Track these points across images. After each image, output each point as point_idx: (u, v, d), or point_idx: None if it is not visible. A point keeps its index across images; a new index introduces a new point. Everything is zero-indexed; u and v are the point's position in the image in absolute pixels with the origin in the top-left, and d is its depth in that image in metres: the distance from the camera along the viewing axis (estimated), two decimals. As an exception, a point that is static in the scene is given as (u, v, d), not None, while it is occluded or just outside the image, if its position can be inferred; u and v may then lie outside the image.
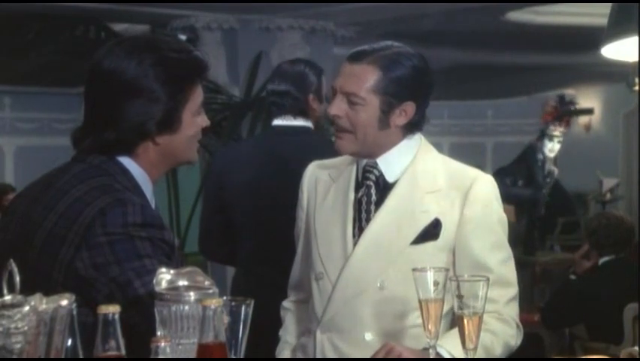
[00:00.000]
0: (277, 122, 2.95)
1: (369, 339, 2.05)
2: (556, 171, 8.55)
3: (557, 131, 8.37)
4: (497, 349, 2.02)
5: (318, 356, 2.11)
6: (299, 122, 2.91)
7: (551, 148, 8.35)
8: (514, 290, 2.08)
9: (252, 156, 2.96)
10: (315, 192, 2.20)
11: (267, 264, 2.82)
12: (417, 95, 2.06)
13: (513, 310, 2.07)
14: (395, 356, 1.86)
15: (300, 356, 2.20)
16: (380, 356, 1.87)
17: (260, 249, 2.92)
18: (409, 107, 2.05)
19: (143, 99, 1.77)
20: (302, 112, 2.90)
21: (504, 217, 2.11)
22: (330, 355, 2.09)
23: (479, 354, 1.75)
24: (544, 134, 8.34)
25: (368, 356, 1.93)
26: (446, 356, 1.88)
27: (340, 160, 2.19)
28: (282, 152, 2.83)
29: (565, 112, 8.87)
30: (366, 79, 2.02)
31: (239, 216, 2.96)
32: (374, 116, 2.03)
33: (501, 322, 2.02)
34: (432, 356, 1.74)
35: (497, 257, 2.05)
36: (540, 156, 8.31)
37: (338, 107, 2.05)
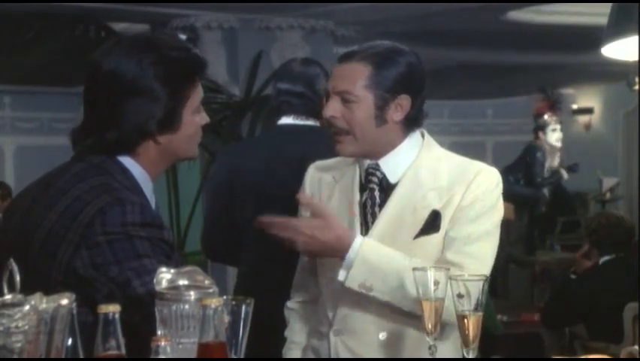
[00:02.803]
0: (288, 120, 2.94)
1: (383, 339, 2.06)
2: (564, 174, 8.53)
3: (553, 120, 8.37)
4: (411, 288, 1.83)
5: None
6: (311, 122, 2.91)
7: (557, 138, 8.32)
8: (480, 268, 1.94)
9: (264, 155, 2.94)
10: (319, 193, 2.19)
11: (274, 264, 2.81)
12: (411, 88, 2.05)
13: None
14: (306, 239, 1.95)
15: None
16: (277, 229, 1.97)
17: (267, 249, 2.91)
18: (405, 101, 2.04)
19: (144, 98, 1.77)
20: (314, 113, 2.89)
21: (499, 205, 2.07)
22: (346, 357, 2.10)
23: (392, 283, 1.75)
24: (544, 126, 8.30)
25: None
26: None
27: (341, 160, 2.19)
28: (294, 151, 2.82)
29: (556, 100, 8.87)
30: (358, 76, 2.01)
31: (248, 215, 2.94)
32: (370, 113, 2.03)
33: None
34: (432, 356, 1.74)
35: (474, 230, 2.01)
36: (540, 155, 8.29)
37: (333, 109, 2.05)
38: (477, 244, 2.01)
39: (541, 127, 8.35)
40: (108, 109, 1.78)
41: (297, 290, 2.32)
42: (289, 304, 2.32)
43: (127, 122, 1.77)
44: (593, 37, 3.83)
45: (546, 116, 8.43)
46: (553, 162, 8.43)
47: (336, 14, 6.35)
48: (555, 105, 8.70)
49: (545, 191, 8.47)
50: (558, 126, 8.36)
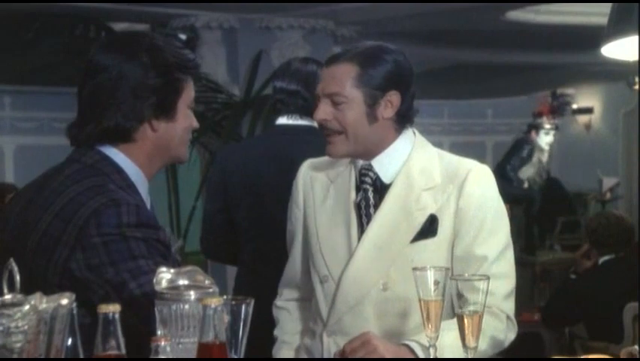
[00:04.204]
0: (282, 120, 2.94)
1: None
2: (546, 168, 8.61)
3: (548, 123, 8.49)
4: (482, 342, 1.96)
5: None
6: (305, 121, 2.90)
7: (548, 141, 8.45)
8: (509, 284, 2.04)
9: (257, 156, 2.95)
10: (312, 192, 2.18)
11: (270, 264, 2.81)
12: (399, 84, 2.05)
13: (506, 305, 2.03)
14: (370, 350, 1.86)
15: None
16: (355, 345, 1.88)
17: (264, 249, 2.91)
18: (394, 97, 2.04)
19: (138, 85, 1.79)
20: (309, 112, 2.88)
21: (501, 207, 2.08)
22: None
23: (457, 348, 1.72)
24: (539, 127, 8.41)
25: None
26: (417, 350, 1.89)
27: (335, 160, 2.18)
28: (287, 151, 2.82)
29: (560, 104, 8.98)
30: (346, 76, 2.02)
31: (243, 216, 2.95)
32: (361, 111, 2.03)
33: (489, 315, 1.92)
34: (432, 355, 1.74)
35: (493, 248, 2.03)
36: (525, 152, 8.41)
37: (324, 111, 2.05)
38: (497, 262, 2.01)
39: (536, 127, 8.46)
40: (103, 100, 1.80)
41: (287, 288, 2.30)
42: (278, 302, 2.30)
43: (123, 108, 1.79)
44: (593, 36, 3.83)
45: (545, 118, 8.52)
46: (543, 159, 8.53)
47: (336, 14, 6.35)
48: (556, 110, 8.80)
49: (536, 188, 8.51)
50: (553, 131, 8.47)
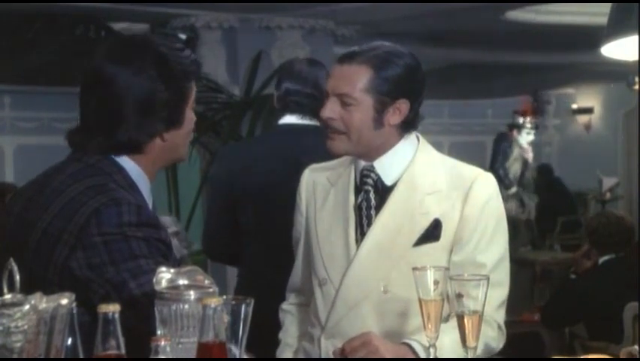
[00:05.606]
0: (290, 120, 2.93)
1: None
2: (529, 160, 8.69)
3: (529, 123, 8.57)
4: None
5: None
6: (312, 122, 2.91)
7: (528, 141, 8.55)
8: (503, 293, 2.05)
9: (264, 156, 2.94)
10: (313, 197, 2.18)
11: (271, 264, 2.81)
12: (410, 92, 2.04)
13: (498, 314, 2.04)
14: (372, 350, 1.86)
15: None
16: (356, 344, 1.87)
17: (265, 249, 2.91)
18: (403, 105, 2.03)
19: (148, 99, 1.78)
20: (317, 113, 2.89)
21: (503, 215, 2.08)
22: None
23: (455, 350, 1.73)
24: (520, 127, 8.51)
25: None
26: (418, 348, 1.89)
27: (337, 162, 2.18)
28: (294, 151, 2.81)
29: (541, 104, 9.10)
30: (359, 79, 2.00)
31: (248, 216, 2.94)
32: (368, 116, 2.02)
33: (483, 322, 1.87)
34: (432, 355, 1.74)
35: (492, 256, 2.03)
36: (506, 145, 8.47)
37: (331, 110, 2.04)
38: (495, 271, 2.01)
39: (518, 126, 8.55)
40: (113, 113, 1.78)
41: (292, 292, 2.30)
42: (284, 306, 2.31)
43: (134, 123, 1.78)
44: (593, 36, 3.83)
45: (528, 118, 8.61)
46: (527, 157, 8.59)
47: (336, 14, 6.35)
48: (538, 110, 8.92)
49: (528, 198, 8.53)
50: (533, 131, 8.58)
